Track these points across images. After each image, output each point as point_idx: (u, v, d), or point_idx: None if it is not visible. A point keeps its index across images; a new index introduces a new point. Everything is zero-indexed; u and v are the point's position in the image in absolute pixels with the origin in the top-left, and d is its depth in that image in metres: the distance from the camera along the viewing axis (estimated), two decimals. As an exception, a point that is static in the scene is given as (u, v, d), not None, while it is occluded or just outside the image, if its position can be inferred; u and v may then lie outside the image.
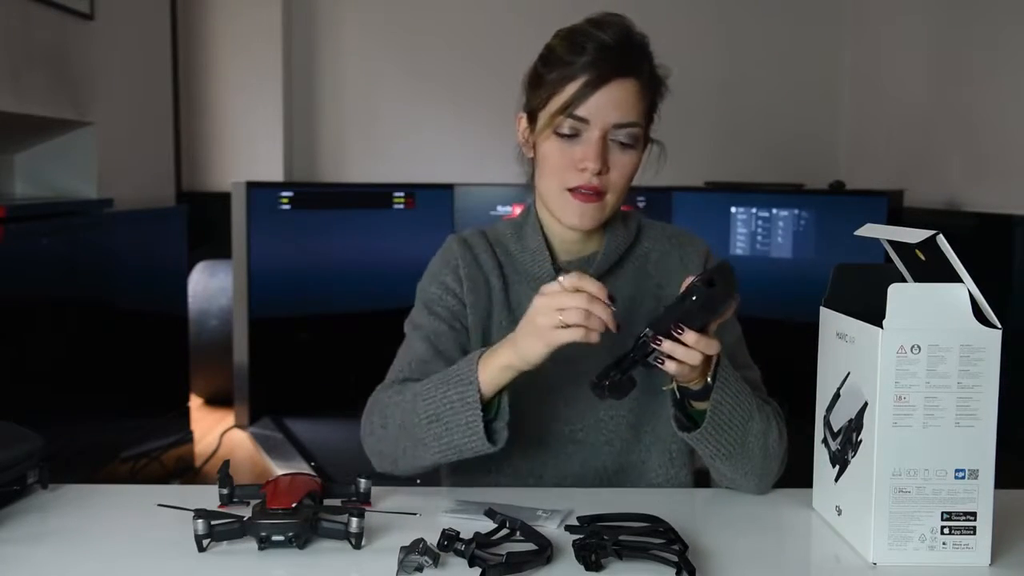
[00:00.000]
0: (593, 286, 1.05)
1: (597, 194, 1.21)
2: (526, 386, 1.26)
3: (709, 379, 1.12)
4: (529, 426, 1.27)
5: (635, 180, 1.26)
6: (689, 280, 1.06)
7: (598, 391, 1.06)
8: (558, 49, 1.21)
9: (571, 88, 1.18)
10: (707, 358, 1.08)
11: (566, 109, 1.18)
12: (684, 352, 1.05)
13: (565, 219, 1.24)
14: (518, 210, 2.12)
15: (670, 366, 1.06)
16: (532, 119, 1.25)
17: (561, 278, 1.06)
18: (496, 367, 1.11)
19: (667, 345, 1.04)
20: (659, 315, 1.06)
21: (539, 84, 1.23)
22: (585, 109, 1.18)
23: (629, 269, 1.32)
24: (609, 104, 1.18)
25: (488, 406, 1.13)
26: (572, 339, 1.05)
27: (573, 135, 1.19)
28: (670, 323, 1.04)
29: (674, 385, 1.15)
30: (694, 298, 1.03)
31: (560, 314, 1.04)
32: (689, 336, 1.04)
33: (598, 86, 1.17)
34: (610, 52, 1.18)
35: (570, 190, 1.21)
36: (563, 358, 1.26)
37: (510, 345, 1.10)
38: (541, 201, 1.29)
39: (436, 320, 1.28)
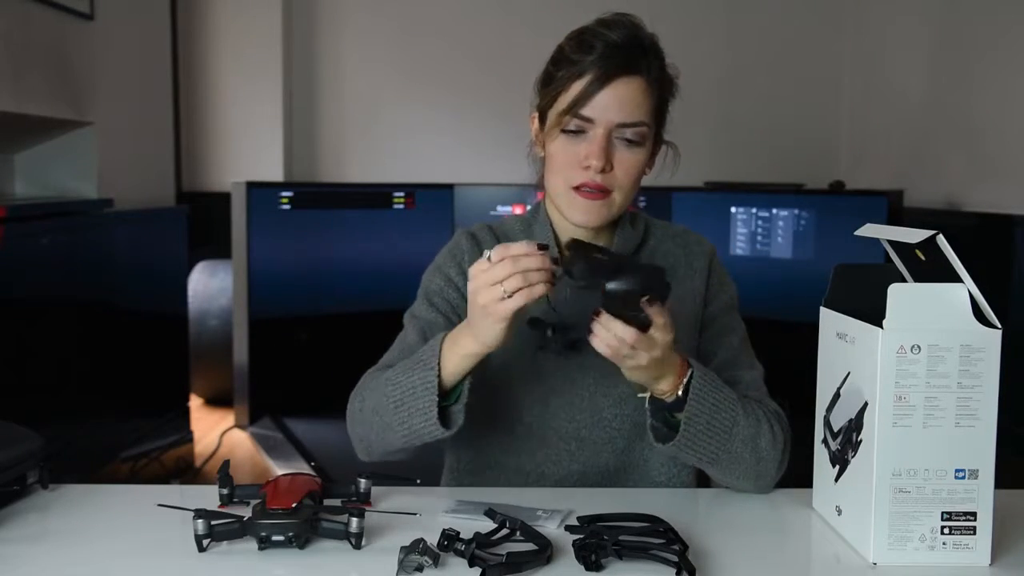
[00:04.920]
0: (518, 247, 1.04)
1: (602, 192, 1.21)
2: (531, 383, 1.27)
3: (680, 392, 1.13)
4: (533, 423, 1.28)
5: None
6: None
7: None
8: (567, 49, 1.22)
9: (577, 86, 1.19)
10: (657, 362, 1.08)
11: (572, 108, 1.19)
12: (601, 335, 1.06)
13: (572, 217, 1.24)
14: (518, 210, 2.13)
15: (596, 343, 1.07)
16: (543, 118, 1.26)
17: (487, 252, 1.05)
18: (458, 356, 1.11)
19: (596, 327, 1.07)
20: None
21: (548, 83, 1.24)
22: (590, 108, 1.18)
23: None
24: (614, 103, 1.18)
25: (451, 392, 1.14)
26: (520, 304, 1.03)
27: (578, 132, 1.20)
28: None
29: (647, 395, 1.16)
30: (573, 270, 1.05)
31: (499, 287, 1.03)
32: (602, 318, 1.06)
33: (603, 84, 1.18)
34: (616, 51, 1.18)
35: (576, 188, 1.22)
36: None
37: (468, 332, 1.10)
38: (550, 199, 1.30)
39: (434, 312, 1.29)
